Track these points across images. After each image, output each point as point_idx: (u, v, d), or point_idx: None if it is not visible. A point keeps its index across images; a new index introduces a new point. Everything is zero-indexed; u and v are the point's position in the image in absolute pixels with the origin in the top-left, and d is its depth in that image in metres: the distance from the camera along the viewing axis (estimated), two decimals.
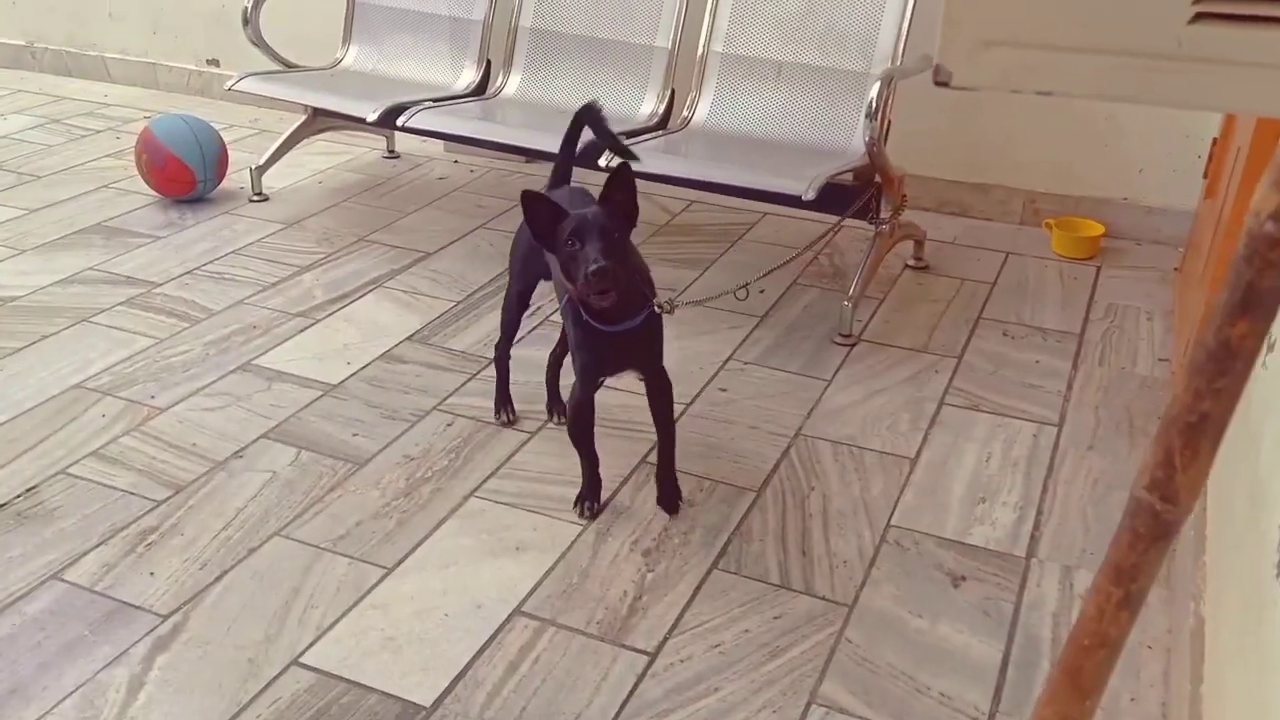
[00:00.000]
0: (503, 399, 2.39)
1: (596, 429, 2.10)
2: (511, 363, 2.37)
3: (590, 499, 2.09)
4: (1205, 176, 2.87)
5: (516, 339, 2.36)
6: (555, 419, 2.38)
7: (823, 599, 1.88)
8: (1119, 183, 3.22)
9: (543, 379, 2.41)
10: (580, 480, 2.11)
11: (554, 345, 2.40)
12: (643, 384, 2.08)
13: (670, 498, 2.11)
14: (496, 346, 2.37)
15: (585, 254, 1.73)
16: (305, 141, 3.75)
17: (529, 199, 1.79)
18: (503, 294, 2.35)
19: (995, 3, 0.70)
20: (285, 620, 1.84)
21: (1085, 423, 2.37)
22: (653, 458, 2.26)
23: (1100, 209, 3.25)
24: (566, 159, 2.20)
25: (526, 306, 2.31)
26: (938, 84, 0.75)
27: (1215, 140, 2.85)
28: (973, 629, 1.82)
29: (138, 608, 1.86)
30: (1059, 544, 2.01)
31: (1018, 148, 3.32)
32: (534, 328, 2.75)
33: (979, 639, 1.80)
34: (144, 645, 1.79)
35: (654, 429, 2.10)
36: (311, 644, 1.79)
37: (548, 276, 2.16)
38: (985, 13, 0.71)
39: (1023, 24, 0.70)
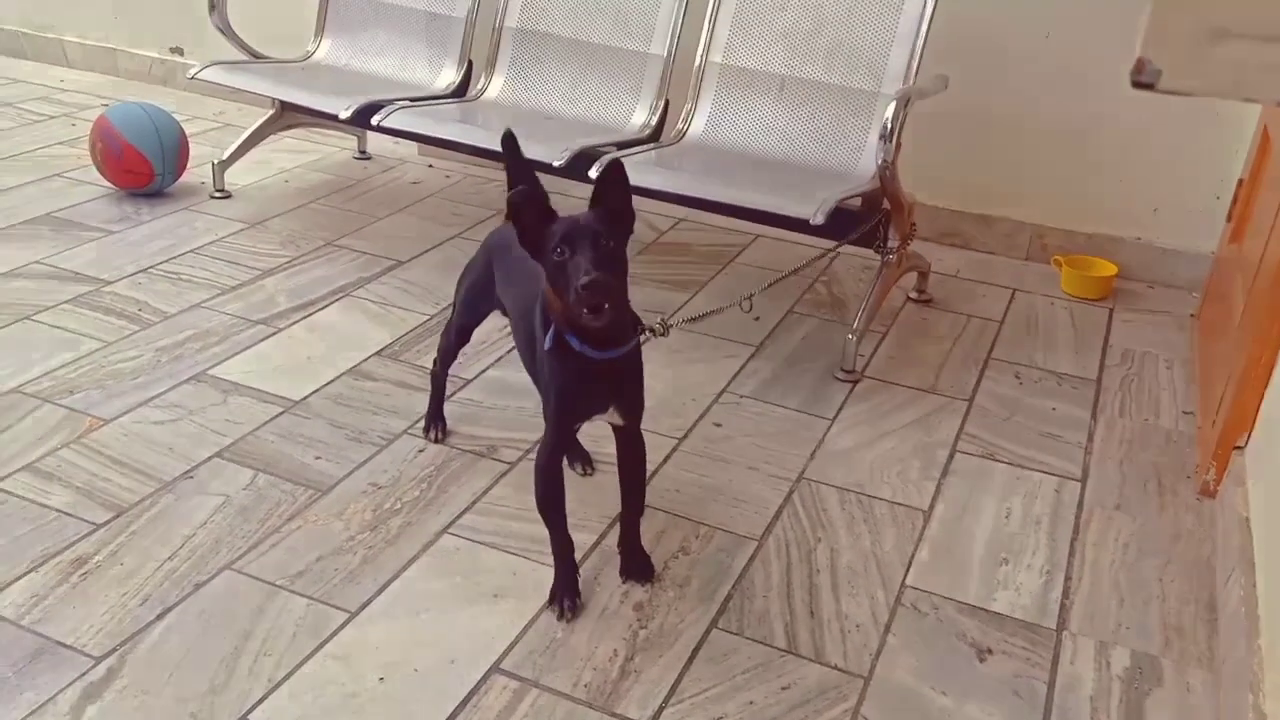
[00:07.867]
0: (434, 415, 2.26)
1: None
2: (487, 385, 2.23)
3: (567, 595, 1.77)
4: (1229, 220, 2.74)
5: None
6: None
7: (835, 668, 1.70)
8: (1132, 221, 3.09)
9: (521, 404, 2.21)
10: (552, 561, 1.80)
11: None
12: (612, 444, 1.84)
13: (643, 569, 1.87)
14: (434, 362, 2.23)
15: (576, 264, 1.51)
16: (272, 137, 3.55)
17: (519, 198, 1.57)
18: None
19: None
20: (234, 669, 1.65)
21: (1110, 479, 2.21)
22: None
23: (1111, 247, 3.11)
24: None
25: (467, 342, 2.17)
26: (1138, 85, 0.57)
27: (1240, 181, 2.73)
28: (1003, 712, 1.64)
29: (68, 647, 1.68)
30: (1092, 616, 1.83)
31: (1026, 178, 3.17)
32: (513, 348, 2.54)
33: None
34: (73, 692, 1.59)
35: (623, 485, 1.85)
36: (262, 699, 1.60)
37: (494, 309, 2.01)
38: None
39: (1274, 10, 0.53)
